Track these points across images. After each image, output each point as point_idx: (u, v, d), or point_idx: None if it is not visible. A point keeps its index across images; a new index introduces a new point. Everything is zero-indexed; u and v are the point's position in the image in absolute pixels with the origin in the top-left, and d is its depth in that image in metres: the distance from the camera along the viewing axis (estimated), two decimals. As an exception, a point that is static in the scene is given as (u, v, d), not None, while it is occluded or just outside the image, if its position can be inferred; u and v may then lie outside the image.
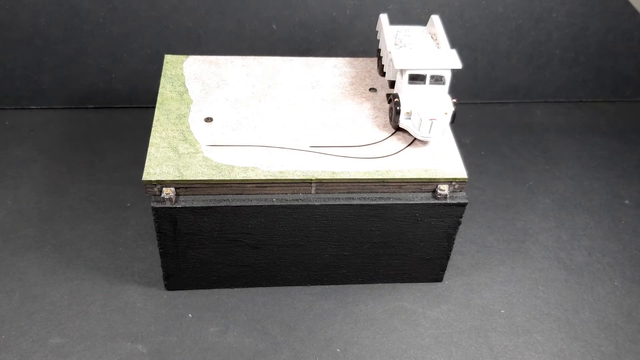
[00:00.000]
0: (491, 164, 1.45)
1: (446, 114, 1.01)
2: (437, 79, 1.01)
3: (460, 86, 1.60)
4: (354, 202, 1.01)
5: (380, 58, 1.17)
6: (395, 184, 1.01)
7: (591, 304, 1.15)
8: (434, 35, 1.11)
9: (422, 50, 1.06)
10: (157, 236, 1.02)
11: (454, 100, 1.03)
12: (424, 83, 1.02)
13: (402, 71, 1.02)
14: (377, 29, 1.18)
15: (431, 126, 1.00)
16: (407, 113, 1.02)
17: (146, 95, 1.51)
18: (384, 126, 1.08)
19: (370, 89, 1.16)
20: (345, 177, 0.99)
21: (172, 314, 1.09)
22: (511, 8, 1.50)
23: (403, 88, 1.03)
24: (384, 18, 1.14)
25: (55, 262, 1.16)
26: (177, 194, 0.99)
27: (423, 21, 1.48)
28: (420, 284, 1.17)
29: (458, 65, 1.00)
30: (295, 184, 0.99)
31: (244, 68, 1.18)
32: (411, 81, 1.02)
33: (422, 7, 1.47)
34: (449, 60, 1.01)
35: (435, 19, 1.11)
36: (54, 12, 1.40)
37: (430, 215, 1.04)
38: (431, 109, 1.01)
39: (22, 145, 1.40)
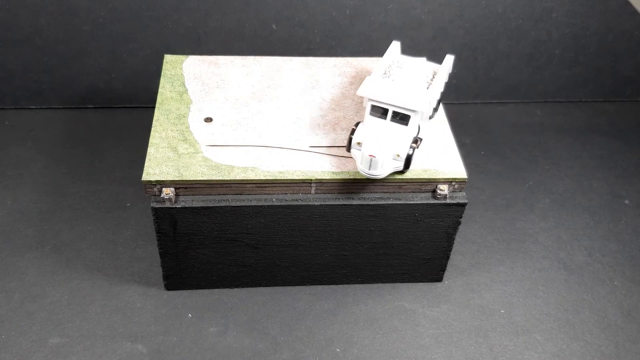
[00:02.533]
0: (491, 164, 1.45)
1: (398, 156, 0.95)
2: (401, 118, 0.95)
3: (460, 86, 1.60)
4: (354, 202, 1.01)
5: None
6: (394, 184, 1.01)
7: (591, 304, 1.15)
8: (436, 74, 1.04)
9: (398, 84, 0.97)
10: (157, 236, 1.02)
11: (415, 144, 0.96)
12: (385, 118, 0.97)
13: (365, 99, 0.98)
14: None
15: (370, 163, 0.93)
16: (358, 143, 0.96)
17: (146, 95, 1.51)
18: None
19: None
20: (345, 177, 0.99)
21: (172, 314, 1.09)
22: (511, 8, 1.50)
23: (365, 117, 0.98)
24: (394, 45, 1.08)
25: (55, 262, 1.16)
26: (176, 194, 0.99)
27: (423, 21, 1.49)
28: (420, 284, 1.17)
29: (418, 107, 0.93)
30: (295, 184, 0.99)
31: (243, 68, 1.18)
32: (372, 112, 0.97)
33: (422, 7, 1.47)
34: (413, 101, 0.94)
35: (448, 59, 1.05)
36: (54, 12, 1.40)
37: (430, 215, 1.04)
38: (378, 146, 0.94)
39: (22, 145, 1.40)
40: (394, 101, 0.94)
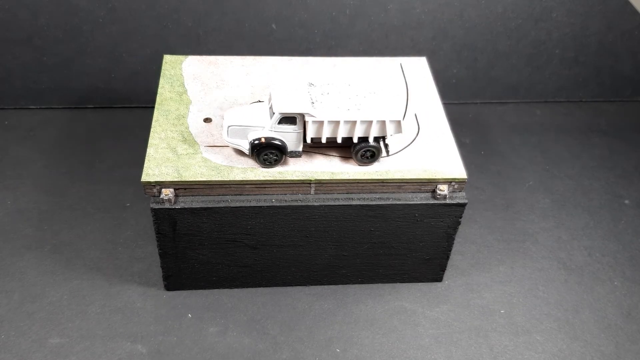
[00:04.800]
0: (491, 164, 1.45)
1: (246, 140, 0.98)
2: (272, 110, 0.98)
3: (460, 86, 1.60)
4: (354, 203, 1.01)
5: None
6: (394, 184, 1.01)
7: (591, 304, 1.15)
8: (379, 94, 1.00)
9: (303, 88, 0.99)
10: (157, 237, 1.02)
11: (269, 144, 0.97)
12: (268, 104, 1.00)
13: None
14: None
15: (223, 121, 1.00)
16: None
17: (146, 95, 1.51)
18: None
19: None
20: (345, 178, 0.99)
21: (171, 314, 1.09)
22: (511, 8, 1.50)
23: (266, 96, 1.04)
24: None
25: (55, 262, 1.16)
26: (176, 195, 0.99)
27: (423, 21, 1.49)
28: (420, 284, 1.17)
29: (278, 108, 0.95)
30: (294, 185, 0.99)
31: (243, 68, 1.18)
32: (270, 96, 1.00)
33: (422, 7, 1.47)
34: (281, 100, 0.96)
35: (393, 114, 0.98)
36: (54, 12, 1.40)
37: (429, 215, 1.04)
38: (234, 114, 1.00)
39: (22, 145, 1.40)
40: (273, 91, 0.98)
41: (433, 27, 1.50)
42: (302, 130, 0.98)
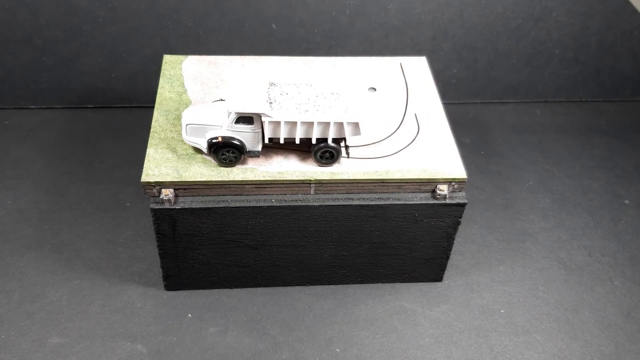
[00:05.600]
0: (491, 164, 1.45)
1: (204, 139, 0.98)
2: (228, 109, 0.98)
3: (460, 86, 1.60)
4: (353, 203, 1.01)
5: None
6: (394, 184, 1.01)
7: (591, 304, 1.15)
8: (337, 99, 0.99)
9: (262, 88, 0.98)
10: (157, 237, 1.02)
11: (220, 139, 0.97)
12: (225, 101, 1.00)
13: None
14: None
15: (182, 119, 1.00)
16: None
17: (145, 95, 1.51)
18: (383, 126, 1.08)
19: (369, 89, 1.16)
20: (344, 178, 0.99)
21: (171, 314, 1.09)
22: (511, 8, 1.50)
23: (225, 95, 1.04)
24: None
25: (55, 262, 1.16)
26: (176, 195, 0.99)
27: (423, 21, 1.48)
28: (420, 283, 1.17)
29: (231, 106, 0.95)
30: (294, 185, 0.99)
31: (243, 68, 1.18)
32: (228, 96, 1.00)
33: (422, 7, 1.47)
34: (236, 99, 0.95)
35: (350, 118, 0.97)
36: (54, 12, 1.40)
37: (429, 215, 1.04)
38: (193, 112, 1.00)
39: (22, 145, 1.40)
40: (230, 90, 0.97)
41: (433, 27, 1.50)
42: (260, 130, 0.97)
